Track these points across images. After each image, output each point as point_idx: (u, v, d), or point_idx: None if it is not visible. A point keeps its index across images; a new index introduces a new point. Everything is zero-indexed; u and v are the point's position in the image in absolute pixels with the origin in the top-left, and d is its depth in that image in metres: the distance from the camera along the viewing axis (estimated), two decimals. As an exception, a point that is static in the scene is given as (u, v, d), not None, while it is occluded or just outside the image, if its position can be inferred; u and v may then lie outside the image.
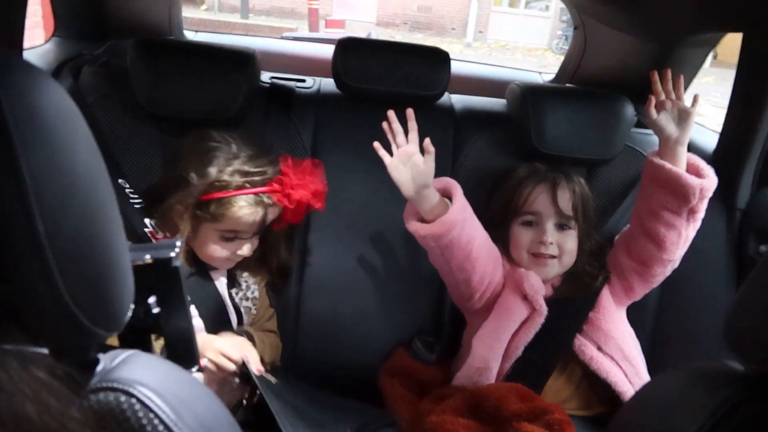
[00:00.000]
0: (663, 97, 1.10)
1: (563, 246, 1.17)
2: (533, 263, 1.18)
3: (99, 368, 0.46)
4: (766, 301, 0.56)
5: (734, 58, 1.22)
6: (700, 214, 1.09)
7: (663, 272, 1.15)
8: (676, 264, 1.14)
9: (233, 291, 1.18)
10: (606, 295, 1.18)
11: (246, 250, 1.11)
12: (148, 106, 1.19)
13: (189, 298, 0.60)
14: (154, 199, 1.13)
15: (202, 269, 1.14)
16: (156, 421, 0.44)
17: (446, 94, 1.44)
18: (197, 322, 1.10)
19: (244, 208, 1.06)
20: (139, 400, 0.44)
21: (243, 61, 1.23)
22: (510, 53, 10.44)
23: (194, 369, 0.61)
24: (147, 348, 0.56)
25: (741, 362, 0.60)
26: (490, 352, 1.12)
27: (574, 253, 1.19)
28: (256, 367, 1.05)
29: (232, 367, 1.02)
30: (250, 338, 1.13)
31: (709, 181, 1.07)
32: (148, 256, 0.56)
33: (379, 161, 1.06)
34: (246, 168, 1.08)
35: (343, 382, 1.27)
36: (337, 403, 1.19)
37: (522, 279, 1.14)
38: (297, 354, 1.30)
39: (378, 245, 1.33)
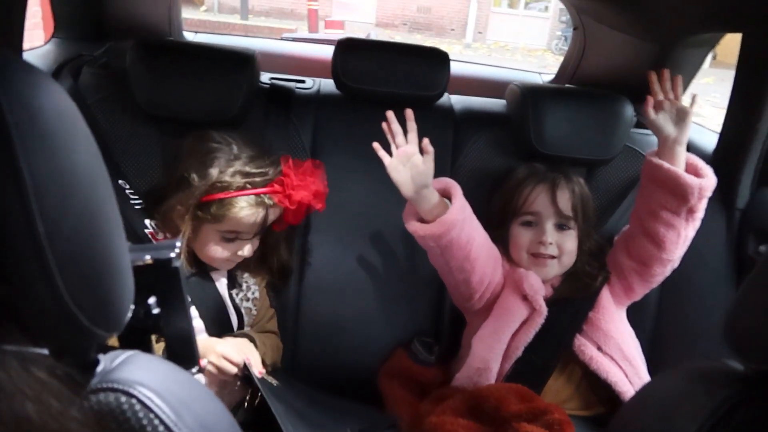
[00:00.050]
0: (661, 97, 1.10)
1: (563, 246, 1.17)
2: (533, 263, 1.18)
3: (99, 369, 0.46)
4: (766, 301, 0.55)
5: (734, 58, 1.23)
6: (700, 213, 1.09)
7: (662, 272, 1.15)
8: (676, 264, 1.14)
9: (234, 292, 1.18)
10: (606, 295, 1.18)
11: (247, 250, 1.12)
12: (147, 106, 1.19)
13: (189, 299, 0.60)
14: (154, 200, 1.13)
15: (203, 270, 1.14)
16: (156, 422, 0.44)
17: (446, 94, 1.44)
18: (198, 323, 1.10)
19: (245, 209, 1.06)
20: (139, 401, 0.44)
21: (243, 62, 1.23)
22: (509, 54, 10.45)
23: (194, 369, 0.61)
24: (147, 348, 0.55)
25: (741, 362, 0.60)
26: (490, 352, 1.12)
27: (574, 253, 1.19)
28: (257, 369, 1.05)
29: (234, 370, 1.02)
30: (251, 340, 1.13)
31: (707, 181, 1.07)
32: (148, 257, 0.56)
33: (379, 162, 1.05)
34: (247, 169, 1.08)
35: (343, 383, 1.27)
36: (338, 405, 1.19)
37: (522, 279, 1.14)
38: (297, 354, 1.30)
39: (378, 246, 1.33)
